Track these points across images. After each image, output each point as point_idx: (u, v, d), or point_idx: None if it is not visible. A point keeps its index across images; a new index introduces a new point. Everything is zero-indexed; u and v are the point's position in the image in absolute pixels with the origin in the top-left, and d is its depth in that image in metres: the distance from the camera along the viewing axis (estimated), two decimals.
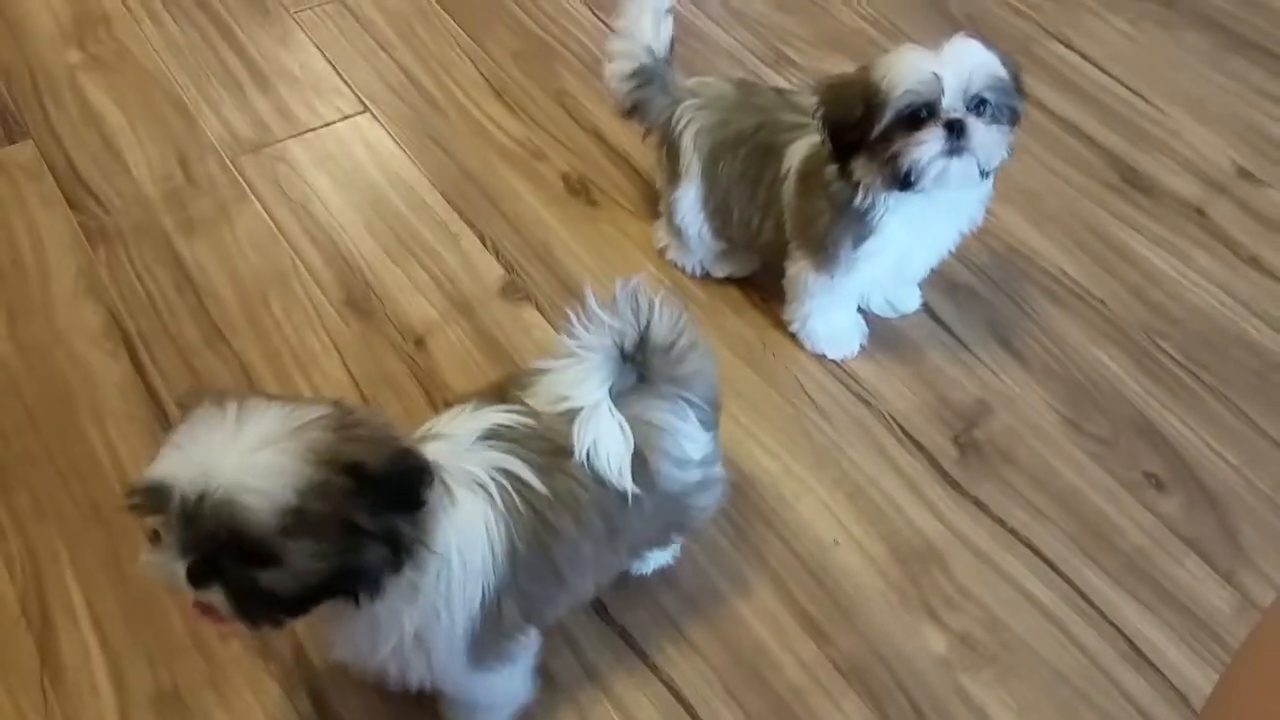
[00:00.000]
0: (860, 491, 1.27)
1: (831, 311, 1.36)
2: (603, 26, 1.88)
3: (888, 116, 1.10)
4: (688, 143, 1.33)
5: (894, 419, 1.35)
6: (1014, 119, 1.14)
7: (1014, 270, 1.51)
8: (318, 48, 1.84)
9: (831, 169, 1.20)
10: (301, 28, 1.88)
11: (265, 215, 1.57)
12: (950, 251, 1.32)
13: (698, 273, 1.48)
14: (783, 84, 1.75)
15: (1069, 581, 1.19)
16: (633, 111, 1.41)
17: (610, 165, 1.65)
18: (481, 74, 1.80)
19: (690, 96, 1.35)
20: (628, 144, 1.64)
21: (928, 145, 1.09)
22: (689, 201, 1.37)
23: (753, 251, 1.43)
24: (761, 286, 1.48)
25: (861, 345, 1.40)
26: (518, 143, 1.69)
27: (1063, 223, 1.57)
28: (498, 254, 1.53)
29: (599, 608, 1.15)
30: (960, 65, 1.08)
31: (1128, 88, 1.79)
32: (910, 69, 1.09)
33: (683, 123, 1.34)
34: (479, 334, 1.43)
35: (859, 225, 1.20)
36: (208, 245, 1.52)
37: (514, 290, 1.48)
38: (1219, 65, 1.84)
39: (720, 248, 1.44)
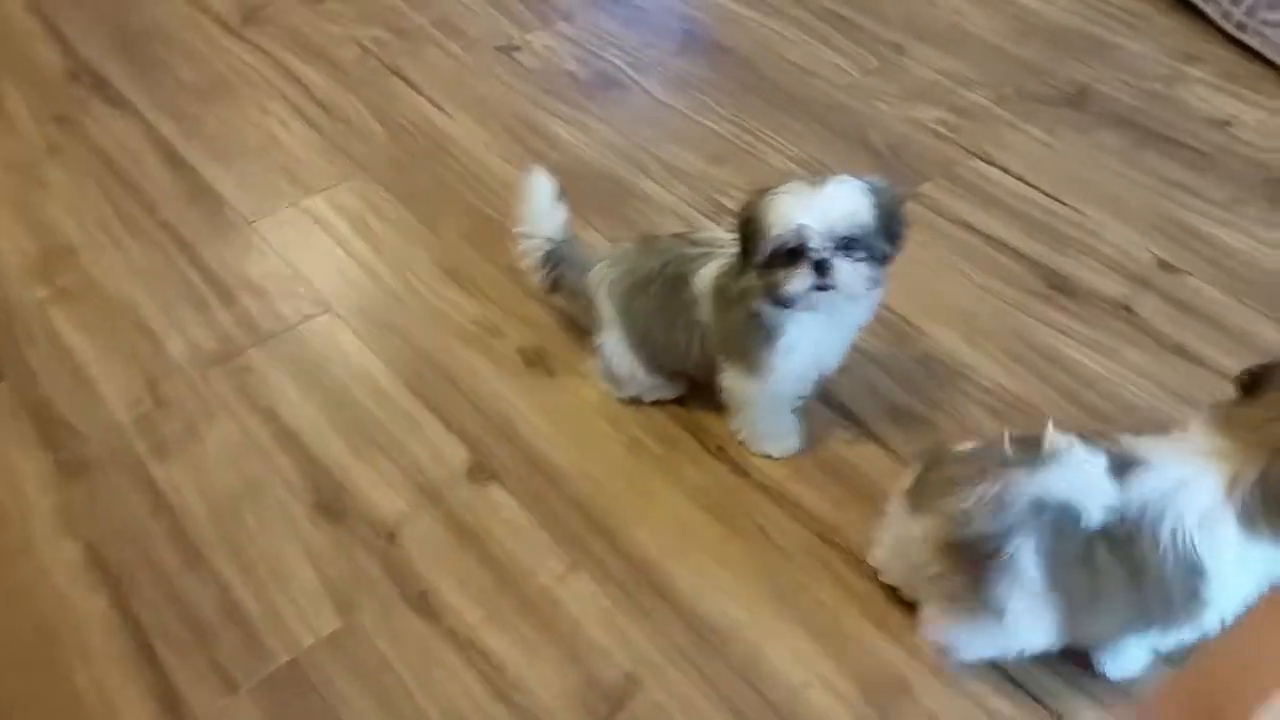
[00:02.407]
0: (825, 631, 1.36)
1: (769, 412, 1.52)
2: None
3: (766, 251, 1.28)
4: (603, 297, 1.55)
5: (854, 552, 1.45)
6: (885, 256, 1.31)
7: (953, 389, 1.63)
8: (277, 253, 2.00)
9: (736, 283, 1.37)
10: (261, 235, 2.04)
11: (234, 427, 1.69)
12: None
13: (630, 396, 1.62)
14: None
15: (1033, 696, 1.27)
16: (554, 289, 1.65)
17: (564, 333, 1.78)
18: (435, 259, 1.95)
19: (599, 261, 1.57)
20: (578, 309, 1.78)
21: (796, 281, 1.28)
22: (613, 343, 1.56)
23: (687, 373, 1.57)
24: (717, 434, 1.60)
25: (798, 445, 1.56)
26: (475, 322, 1.83)
27: (996, 337, 1.70)
28: (462, 436, 1.65)
29: None
30: (827, 214, 1.25)
31: (1048, 195, 1.94)
32: (781, 216, 1.26)
33: (596, 283, 1.56)
34: (449, 520, 1.54)
35: (767, 329, 1.37)
36: (180, 465, 1.64)
37: (480, 471, 1.60)
38: (1133, 162, 1.99)
39: (655, 381, 1.59)
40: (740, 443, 1.58)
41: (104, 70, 2.49)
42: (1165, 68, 2.20)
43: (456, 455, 1.62)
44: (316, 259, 1.98)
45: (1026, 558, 1.08)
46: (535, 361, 1.75)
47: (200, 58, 2.52)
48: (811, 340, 1.39)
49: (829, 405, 1.63)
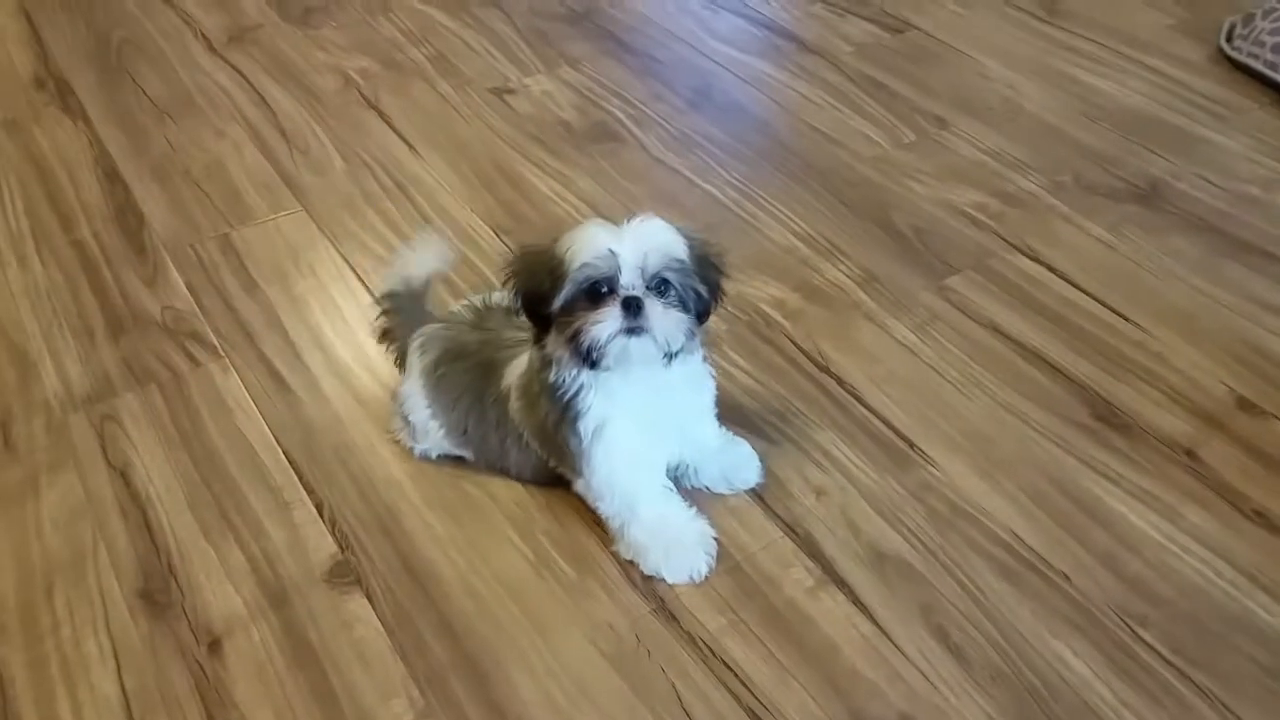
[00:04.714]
0: None
1: (643, 515, 1.25)
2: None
3: (568, 290, 1.12)
4: (414, 349, 1.38)
5: None
6: (702, 306, 1.17)
7: (956, 536, 1.30)
8: (186, 287, 1.76)
9: (539, 362, 1.21)
10: (174, 266, 1.81)
11: (78, 484, 1.43)
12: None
13: (432, 456, 1.42)
14: None
15: None
16: (384, 337, 1.46)
17: None
18: (360, 312, 1.69)
19: (432, 323, 1.40)
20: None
21: (606, 323, 1.11)
22: (414, 396, 1.37)
23: (508, 474, 1.38)
24: None
25: (709, 564, 1.26)
26: (388, 387, 1.55)
27: (1018, 473, 1.36)
28: (334, 527, 1.36)
29: None
30: (639, 243, 1.11)
31: (1103, 303, 1.61)
32: (589, 243, 1.11)
33: (415, 341, 1.38)
34: (288, 633, 1.24)
35: (570, 410, 1.20)
36: (4, 524, 1.38)
37: (343, 573, 1.30)
38: (1214, 275, 1.66)
39: (456, 450, 1.40)
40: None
41: (71, 78, 2.35)
42: (1264, 169, 1.87)
43: (321, 550, 1.33)
44: (225, 298, 1.73)
45: None
46: None
47: (172, 74, 2.35)
48: (626, 413, 1.20)
49: (792, 536, 1.31)
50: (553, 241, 1.15)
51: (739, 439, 1.38)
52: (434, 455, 1.42)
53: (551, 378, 1.18)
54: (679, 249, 1.14)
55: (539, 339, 1.19)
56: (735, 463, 1.36)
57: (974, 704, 1.13)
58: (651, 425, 1.22)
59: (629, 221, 1.13)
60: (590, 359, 1.13)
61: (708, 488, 1.36)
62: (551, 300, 1.13)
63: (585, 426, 1.19)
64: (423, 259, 1.46)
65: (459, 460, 1.42)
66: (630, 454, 1.22)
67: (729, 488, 1.36)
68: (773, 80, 2.21)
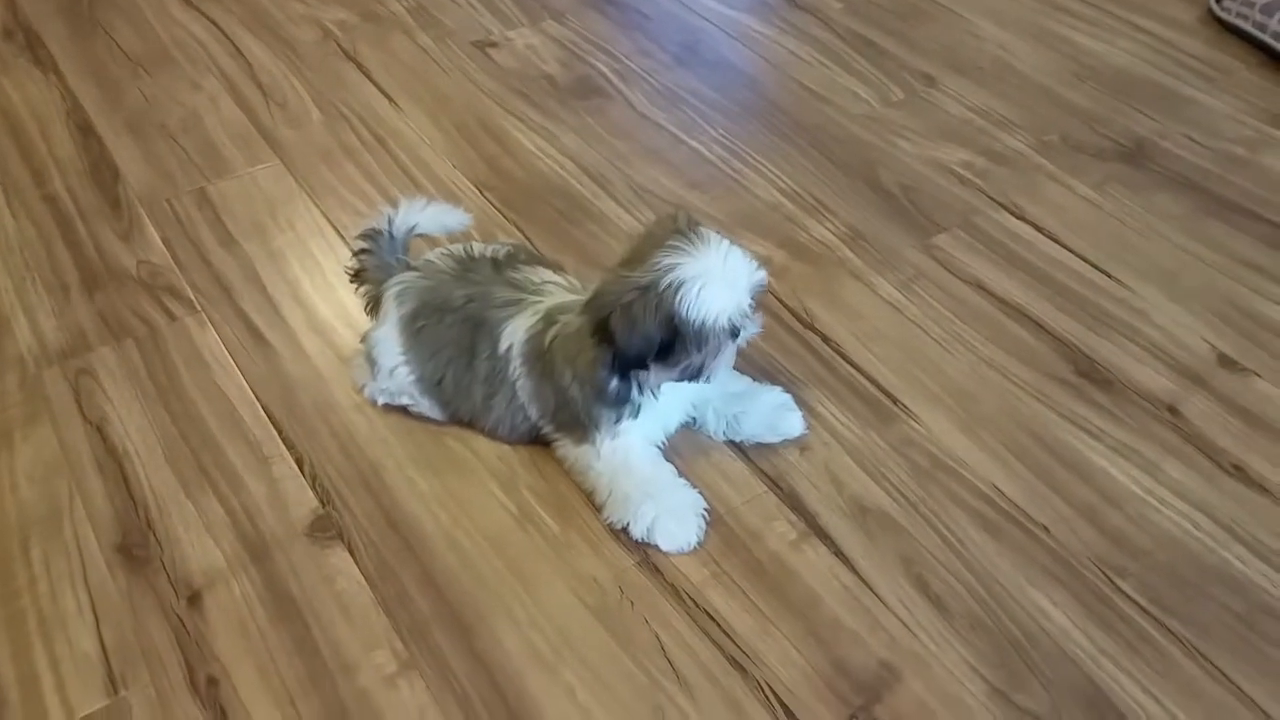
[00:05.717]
0: None
1: (639, 480, 1.27)
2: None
3: (707, 343, 1.17)
4: (391, 297, 1.37)
5: (774, 692, 1.13)
6: None
7: (937, 489, 1.32)
8: (162, 241, 1.75)
9: (590, 370, 1.23)
10: (150, 220, 1.80)
11: (54, 439, 1.43)
12: None
13: (378, 401, 1.43)
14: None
15: None
16: (355, 277, 1.45)
17: None
18: (332, 266, 1.69)
19: (409, 271, 1.39)
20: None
21: (728, 354, 1.22)
22: (387, 342, 1.38)
23: (481, 427, 1.39)
24: None
25: (699, 534, 1.27)
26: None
27: (1000, 428, 1.38)
28: (314, 481, 1.37)
29: None
30: (748, 285, 1.19)
31: (1087, 261, 1.63)
32: (719, 304, 1.15)
33: (393, 288, 1.38)
34: (269, 586, 1.25)
35: (621, 406, 1.25)
36: None
37: (325, 527, 1.31)
38: (1197, 233, 1.68)
39: (424, 402, 1.40)
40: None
41: (41, 30, 2.31)
42: (1249, 129, 1.89)
43: (302, 504, 1.34)
44: (202, 253, 1.73)
45: None
46: None
47: (147, 26, 2.32)
48: (664, 404, 1.29)
49: (776, 491, 1.33)
50: (646, 293, 1.15)
51: (765, 385, 1.40)
52: (379, 401, 1.42)
53: (629, 395, 1.24)
54: (762, 276, 1.21)
55: (624, 375, 1.22)
56: (777, 411, 1.37)
57: (954, 652, 1.15)
58: (677, 403, 1.31)
59: (714, 247, 1.16)
60: (697, 379, 1.21)
61: (753, 439, 1.37)
62: (669, 350, 1.17)
63: (623, 412, 1.25)
64: (438, 218, 1.48)
65: None
66: (649, 433, 1.29)
67: (776, 436, 1.37)
68: (761, 36, 2.21)
